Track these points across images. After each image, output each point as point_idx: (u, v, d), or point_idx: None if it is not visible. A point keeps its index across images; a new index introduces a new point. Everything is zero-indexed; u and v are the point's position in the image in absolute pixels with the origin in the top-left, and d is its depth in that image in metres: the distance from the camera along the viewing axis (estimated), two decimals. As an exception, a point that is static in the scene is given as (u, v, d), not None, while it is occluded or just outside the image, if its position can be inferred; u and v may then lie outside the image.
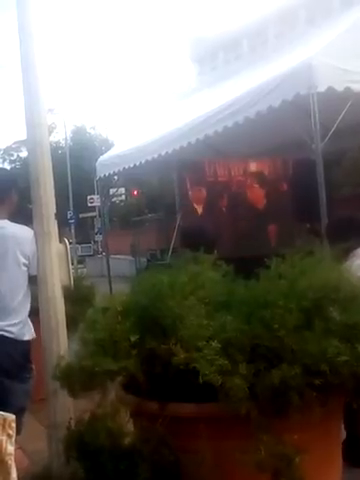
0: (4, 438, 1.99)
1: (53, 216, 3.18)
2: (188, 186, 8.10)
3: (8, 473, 2.01)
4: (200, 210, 7.98)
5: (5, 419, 2.01)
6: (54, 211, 3.19)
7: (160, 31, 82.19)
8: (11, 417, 2.03)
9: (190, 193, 8.06)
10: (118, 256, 18.65)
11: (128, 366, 2.18)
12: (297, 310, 2.20)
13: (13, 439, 2.02)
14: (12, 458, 2.02)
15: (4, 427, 2.00)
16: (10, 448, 2.01)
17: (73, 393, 2.37)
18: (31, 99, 3.16)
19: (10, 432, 2.01)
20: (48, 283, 3.10)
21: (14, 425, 2.03)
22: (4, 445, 1.99)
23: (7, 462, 2.00)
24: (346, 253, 3.45)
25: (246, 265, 2.53)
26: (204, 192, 8.01)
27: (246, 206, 8.05)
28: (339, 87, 5.49)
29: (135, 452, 2.16)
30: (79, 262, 21.00)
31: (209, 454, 2.11)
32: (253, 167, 8.46)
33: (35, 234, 3.15)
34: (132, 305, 2.36)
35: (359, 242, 3.72)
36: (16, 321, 3.33)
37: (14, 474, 2.02)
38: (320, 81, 5.46)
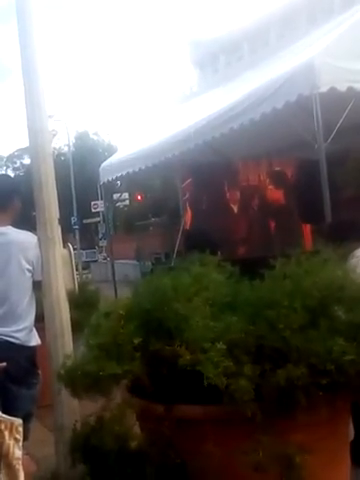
0: (11, 442, 1.99)
1: (56, 221, 3.18)
2: (225, 188, 8.95)
3: (16, 477, 2.00)
4: (236, 209, 8.89)
5: (12, 423, 2.01)
6: (57, 216, 3.19)
7: (160, 35, 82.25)
8: (18, 421, 2.03)
9: (227, 195, 8.92)
10: (123, 261, 18.66)
11: (132, 369, 2.17)
12: (302, 310, 2.19)
13: (20, 443, 2.02)
14: (20, 462, 2.02)
15: (11, 431, 2.00)
16: (18, 452, 2.01)
17: (77, 394, 2.36)
18: (33, 105, 3.17)
19: (17, 436, 2.01)
20: (53, 288, 3.10)
21: (21, 429, 2.02)
22: (12, 449, 1.99)
23: (15, 466, 2.00)
24: (348, 253, 3.43)
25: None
26: (238, 194, 8.94)
27: (267, 206, 8.66)
28: (341, 87, 5.48)
29: (141, 455, 2.15)
30: (84, 268, 21.06)
31: (216, 456, 2.10)
32: (266, 169, 9.06)
33: (39, 239, 3.15)
34: (135, 308, 2.36)
35: None
36: (22, 327, 3.33)
37: (22, 478, 2.02)
38: (322, 81, 5.44)
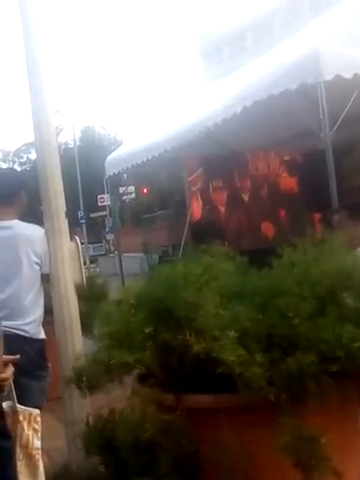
0: (30, 433, 2.01)
1: (63, 214, 3.19)
2: (236, 178, 9.04)
3: (36, 467, 2.02)
4: (246, 198, 9.07)
5: (30, 414, 2.03)
6: (64, 209, 3.20)
7: (165, 28, 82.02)
8: (36, 412, 2.05)
9: (238, 184, 9.01)
10: (130, 254, 18.69)
11: (143, 358, 2.18)
12: (311, 297, 2.18)
13: (39, 434, 2.03)
14: (39, 452, 2.04)
15: (30, 422, 2.01)
16: (37, 443, 2.03)
17: (89, 390, 2.36)
18: (37, 100, 3.17)
19: (36, 427, 2.03)
20: (60, 280, 3.11)
21: (39, 419, 2.04)
22: (31, 440, 2.01)
23: (35, 456, 2.02)
24: (356, 239, 3.42)
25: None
26: (249, 183, 9.07)
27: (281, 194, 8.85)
28: (347, 74, 5.42)
29: (155, 444, 2.16)
30: (91, 261, 21.06)
31: (229, 443, 2.10)
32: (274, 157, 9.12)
33: (46, 232, 3.16)
34: (146, 297, 2.36)
35: None
36: (30, 320, 3.33)
37: (41, 468, 2.04)
38: (327, 69, 5.39)
